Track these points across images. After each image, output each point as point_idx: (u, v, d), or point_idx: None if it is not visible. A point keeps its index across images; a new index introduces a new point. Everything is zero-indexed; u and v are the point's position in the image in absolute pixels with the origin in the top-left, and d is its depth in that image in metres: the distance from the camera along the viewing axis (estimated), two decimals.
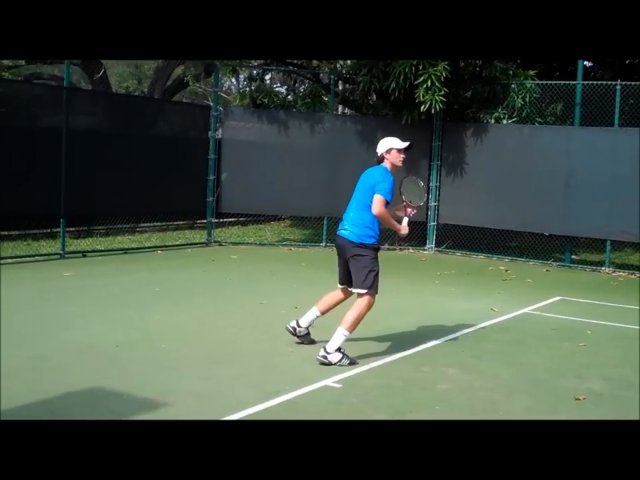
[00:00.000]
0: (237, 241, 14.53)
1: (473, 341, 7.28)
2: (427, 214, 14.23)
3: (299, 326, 6.84)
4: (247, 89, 15.32)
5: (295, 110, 15.25)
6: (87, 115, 13.18)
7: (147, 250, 12.91)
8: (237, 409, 4.99)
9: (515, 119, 13.61)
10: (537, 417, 5.17)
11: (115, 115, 13.42)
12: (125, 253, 12.42)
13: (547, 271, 12.66)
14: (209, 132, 14.08)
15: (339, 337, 6.26)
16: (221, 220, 16.99)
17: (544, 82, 13.53)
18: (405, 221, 6.79)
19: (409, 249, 14.35)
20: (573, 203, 12.88)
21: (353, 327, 6.31)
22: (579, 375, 6.28)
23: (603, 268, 12.78)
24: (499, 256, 13.60)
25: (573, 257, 13.54)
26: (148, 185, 13.45)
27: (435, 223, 14.28)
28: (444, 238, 14.40)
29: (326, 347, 6.25)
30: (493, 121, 13.70)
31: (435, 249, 14.30)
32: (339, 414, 5.03)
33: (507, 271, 12.27)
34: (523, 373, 6.28)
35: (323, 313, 6.84)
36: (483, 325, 8.03)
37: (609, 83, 12.79)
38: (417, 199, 6.96)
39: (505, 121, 13.63)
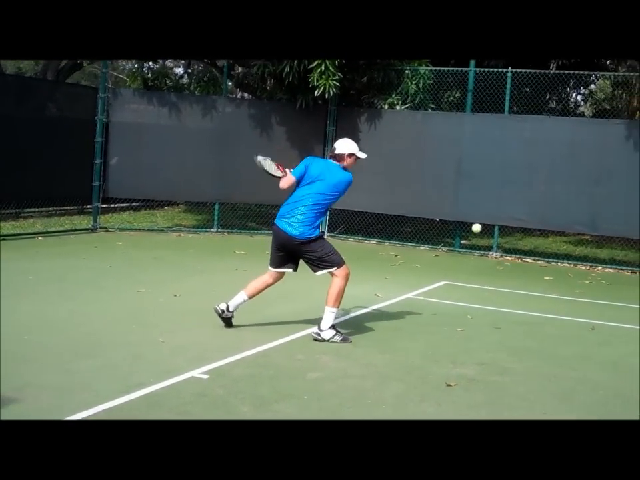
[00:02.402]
0: (125, 226, 14.10)
1: (352, 327, 7.19)
2: None
3: (227, 309, 6.75)
4: (138, 69, 14.85)
5: (187, 92, 14.87)
6: None
7: (29, 236, 12.36)
8: (93, 403, 4.73)
9: (409, 105, 13.63)
10: (405, 404, 5.10)
11: None
12: (4, 239, 11.84)
13: (436, 256, 12.75)
14: (97, 114, 13.58)
15: (328, 315, 6.57)
16: (112, 205, 16.45)
17: (437, 68, 13.57)
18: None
19: None
20: (464, 189, 13.00)
21: (338, 301, 6.60)
22: (453, 360, 6.25)
23: (491, 253, 12.96)
24: (391, 241, 13.64)
25: (463, 241, 13.69)
26: (33, 169, 12.92)
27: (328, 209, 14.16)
28: (337, 223, 14.34)
29: (319, 325, 6.59)
30: (386, 106, 13.68)
31: (328, 234, 14.20)
32: (201, 407, 4.83)
33: (396, 256, 12.29)
34: (397, 359, 6.22)
35: (250, 297, 6.83)
36: (365, 310, 7.98)
37: (500, 70, 12.92)
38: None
39: (398, 107, 13.63)
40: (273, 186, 13.30)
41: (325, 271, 6.63)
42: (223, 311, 6.76)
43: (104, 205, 15.39)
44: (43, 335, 6.35)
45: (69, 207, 15.53)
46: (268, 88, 14.67)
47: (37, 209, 14.72)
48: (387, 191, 13.60)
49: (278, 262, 6.78)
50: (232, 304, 6.78)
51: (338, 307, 6.65)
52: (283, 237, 6.67)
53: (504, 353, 6.61)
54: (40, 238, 12.28)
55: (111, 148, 13.57)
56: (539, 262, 12.56)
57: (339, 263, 6.63)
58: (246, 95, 17.37)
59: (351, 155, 6.78)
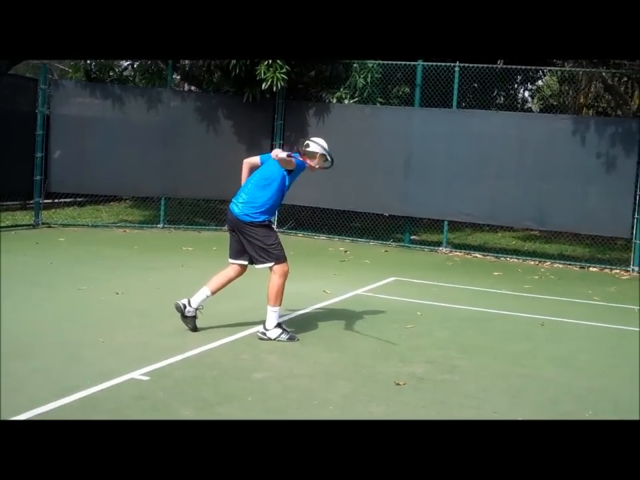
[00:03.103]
0: (68, 222, 13.71)
1: (299, 325, 7.01)
2: None
3: (189, 304, 6.45)
4: (82, 62, 14.43)
5: (130, 85, 14.51)
6: None
7: None
8: (25, 407, 4.48)
9: (357, 99, 13.50)
10: (353, 405, 4.94)
11: None
12: None
13: (386, 251, 12.65)
14: (37, 106, 13.17)
15: (270, 315, 6.40)
16: (55, 200, 15.99)
17: (385, 62, 13.43)
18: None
19: None
20: (412, 184, 12.93)
21: (278, 299, 6.40)
22: (402, 358, 6.12)
23: (441, 248, 12.90)
24: (341, 237, 13.50)
25: (413, 237, 13.62)
26: None
27: None
28: (286, 218, 14.15)
29: (264, 324, 6.41)
30: (335, 100, 13.54)
31: (277, 229, 13.98)
32: (140, 410, 4.61)
33: (346, 251, 12.16)
34: (345, 357, 6.06)
35: (213, 293, 6.56)
36: (313, 307, 7.81)
37: (448, 64, 12.87)
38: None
39: (347, 101, 13.50)
40: (221, 181, 13.15)
41: (263, 265, 6.42)
42: (184, 306, 6.44)
43: (47, 200, 14.97)
44: None
45: (10, 202, 15.05)
46: (214, 80, 14.40)
47: None
48: (335, 186, 13.44)
49: (234, 252, 6.54)
50: (194, 300, 6.48)
51: (279, 305, 6.44)
52: (230, 218, 6.51)
53: (454, 350, 6.50)
54: None
55: (52, 141, 13.17)
56: (488, 257, 12.53)
57: (279, 259, 6.40)
58: (192, 87, 17.05)
59: (322, 155, 6.53)
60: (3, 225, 12.97)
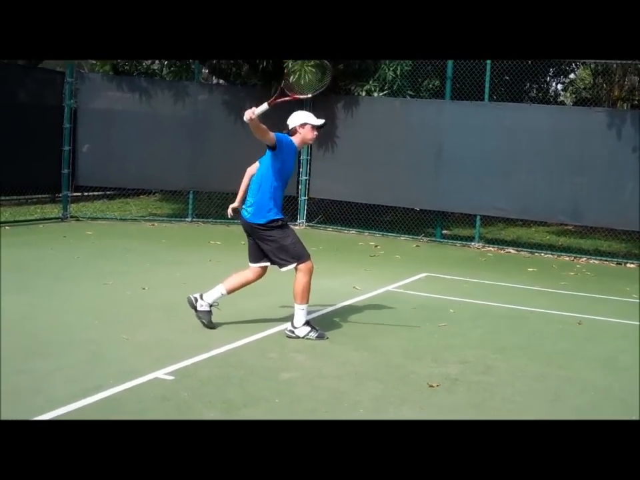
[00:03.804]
0: (96, 215, 13.63)
1: (329, 323, 6.82)
2: (298, 188, 13.76)
3: (201, 298, 6.31)
4: None
5: (157, 78, 14.40)
6: None
7: None
8: (45, 409, 4.34)
9: (387, 91, 13.26)
10: (384, 408, 4.75)
11: None
12: None
13: (417, 246, 12.41)
14: (64, 99, 13.09)
15: (298, 313, 6.19)
16: (85, 194, 16.01)
17: None
18: (263, 106, 6.03)
19: None
20: (444, 178, 12.68)
21: (304, 297, 6.18)
22: (435, 358, 5.90)
23: (473, 243, 12.63)
24: (371, 231, 13.28)
25: (444, 231, 13.37)
26: (2, 156, 12.43)
27: (306, 198, 13.82)
28: (315, 212, 13.96)
29: (292, 322, 6.22)
30: (364, 93, 13.31)
31: (306, 224, 13.85)
32: (163, 412, 4.44)
33: (376, 246, 11.94)
34: (376, 357, 5.85)
35: (229, 292, 6.37)
36: (343, 304, 7.60)
37: None
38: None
39: (376, 94, 13.26)
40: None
41: (287, 267, 6.20)
42: (196, 299, 6.31)
43: (77, 194, 14.97)
44: None
45: (41, 196, 15.03)
46: (242, 73, 14.24)
47: (7, 197, 14.23)
48: (365, 180, 13.25)
49: (254, 256, 6.34)
50: (208, 296, 6.33)
51: (307, 303, 6.22)
52: (243, 224, 6.33)
53: (488, 349, 6.27)
54: (7, 227, 11.80)
55: (79, 135, 13.08)
56: (522, 253, 12.24)
57: (301, 258, 6.15)
58: (220, 80, 16.90)
59: (302, 125, 6.21)
60: (31, 217, 12.93)
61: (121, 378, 4.95)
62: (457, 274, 9.76)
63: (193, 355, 5.55)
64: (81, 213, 13.53)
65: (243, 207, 6.35)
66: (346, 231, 13.42)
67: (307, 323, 6.24)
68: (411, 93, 13.54)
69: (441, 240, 12.91)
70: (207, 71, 16.26)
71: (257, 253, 6.31)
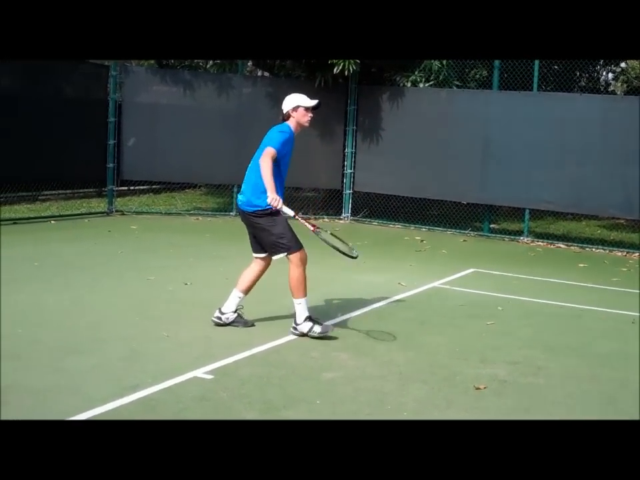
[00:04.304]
0: (141, 210, 13.63)
1: (373, 320, 6.66)
2: (343, 182, 13.61)
3: (221, 313, 6.13)
4: None
5: (201, 70, 14.34)
6: None
7: (42, 220, 11.95)
8: (80, 408, 4.25)
9: (433, 82, 13.02)
10: (429, 411, 4.57)
11: (4, 73, 12.40)
12: (15, 223, 11.43)
13: (464, 241, 12.16)
14: (109, 93, 13.11)
15: (298, 308, 5.94)
16: (132, 188, 16.06)
17: None
18: (288, 210, 5.87)
19: (324, 217, 13.70)
20: (491, 170, 12.41)
21: (301, 290, 5.91)
22: (483, 358, 5.70)
23: (522, 238, 12.35)
24: (417, 225, 13.05)
25: (492, 226, 13.09)
26: (49, 151, 12.51)
27: (351, 191, 13.65)
28: (360, 206, 13.78)
29: (295, 319, 5.96)
30: (409, 84, 13.07)
31: (351, 218, 13.68)
32: (201, 412, 4.33)
33: (422, 241, 11.73)
34: (421, 357, 5.67)
35: (246, 293, 6.20)
36: (387, 301, 7.42)
37: None
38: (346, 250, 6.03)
39: (421, 85, 13.02)
40: (293, 168, 12.87)
41: (278, 255, 5.93)
42: (219, 318, 6.12)
43: (123, 188, 15.02)
44: (37, 327, 5.89)
45: (87, 190, 15.11)
46: (286, 65, 14.10)
47: (54, 192, 14.34)
48: (411, 173, 13.03)
49: (254, 246, 6.14)
50: (226, 307, 6.12)
51: (304, 296, 5.90)
52: (239, 211, 6.18)
53: (538, 349, 6.04)
54: (53, 222, 11.88)
55: (124, 128, 13.09)
56: (573, 247, 11.91)
57: (290, 248, 5.85)
58: (264, 72, 16.80)
59: (295, 108, 5.98)
60: (77, 212, 12.97)
61: (160, 377, 4.86)
62: (506, 270, 9.50)
63: (233, 353, 5.44)
64: (127, 207, 13.54)
65: (239, 199, 6.11)
66: (391, 225, 13.22)
67: (309, 318, 5.93)
68: (457, 83, 13.26)
69: (489, 234, 12.64)
70: (251, 63, 16.15)
71: (256, 243, 6.12)
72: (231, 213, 13.55)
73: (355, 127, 13.44)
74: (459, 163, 12.64)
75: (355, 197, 13.73)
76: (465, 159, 12.59)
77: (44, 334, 5.72)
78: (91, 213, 13.04)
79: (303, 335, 5.90)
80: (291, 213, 5.86)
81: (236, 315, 6.17)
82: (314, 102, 6.06)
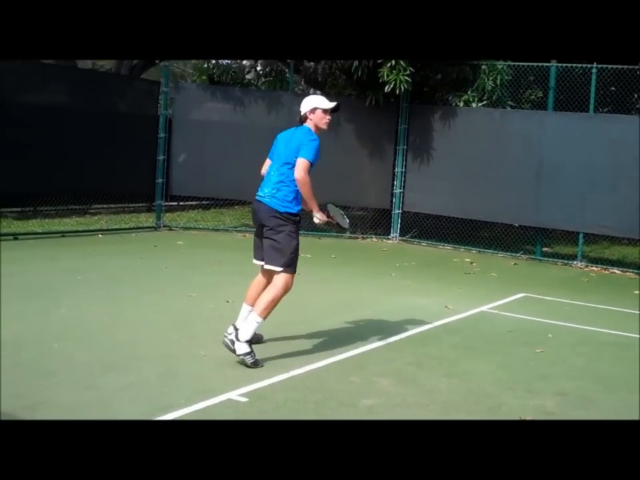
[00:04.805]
0: (189, 225, 13.61)
1: (417, 345, 6.45)
2: (392, 201, 13.42)
3: (237, 335, 5.69)
4: (205, 64, 14.35)
5: (252, 87, 14.32)
6: (27, 88, 12.27)
7: (89, 233, 11.99)
8: None
9: (485, 102, 12.78)
10: None
11: (60, 88, 12.56)
12: (63, 236, 11.49)
13: (515, 264, 11.85)
14: (159, 109, 13.16)
15: (250, 324, 5.51)
16: (180, 203, 16.11)
17: (516, 63, 12.63)
18: (322, 215, 5.86)
19: (372, 237, 13.53)
20: (545, 193, 12.09)
21: (268, 311, 5.54)
22: (530, 388, 5.45)
23: (575, 262, 11.99)
24: (467, 247, 12.79)
25: (545, 249, 12.76)
26: (101, 165, 12.62)
27: (400, 211, 13.45)
28: (409, 227, 13.56)
29: (238, 332, 5.52)
30: (462, 104, 12.85)
31: (400, 238, 13.47)
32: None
33: (472, 263, 11.46)
34: (466, 384, 5.44)
35: (253, 305, 5.91)
36: (433, 325, 7.20)
37: (585, 66, 11.94)
38: (342, 220, 6.08)
39: (474, 104, 12.79)
40: (342, 186, 12.78)
41: (270, 267, 5.60)
42: (233, 342, 5.58)
43: (173, 203, 15.06)
44: (74, 342, 5.81)
45: (137, 204, 15.18)
46: (337, 83, 14.00)
47: (105, 205, 14.44)
48: (462, 194, 12.77)
49: (258, 252, 5.88)
50: (243, 335, 5.54)
51: (265, 319, 5.54)
52: (255, 209, 5.85)
53: (589, 380, 5.77)
54: (100, 235, 11.91)
55: (174, 144, 13.12)
56: (628, 273, 11.50)
57: (288, 267, 5.56)
58: (317, 91, 16.73)
59: (312, 110, 5.79)
60: (125, 226, 12.99)
61: (193, 398, 4.72)
62: (557, 295, 9.20)
63: (270, 376, 5.28)
64: (175, 223, 13.54)
65: (259, 192, 5.83)
66: (441, 247, 12.97)
67: (251, 343, 5.50)
68: (511, 103, 13.00)
69: (541, 258, 12.31)
70: (303, 80, 16.11)
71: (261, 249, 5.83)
72: None
73: (405, 146, 13.26)
74: (512, 184, 12.36)
75: (403, 217, 13.52)
76: (518, 181, 12.30)
77: (80, 349, 5.64)
78: (138, 228, 13.06)
79: (232, 351, 5.48)
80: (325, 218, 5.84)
81: (251, 344, 5.74)
82: (332, 104, 5.87)
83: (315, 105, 5.82)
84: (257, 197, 5.84)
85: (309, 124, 5.81)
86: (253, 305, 5.81)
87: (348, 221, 6.23)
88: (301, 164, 5.57)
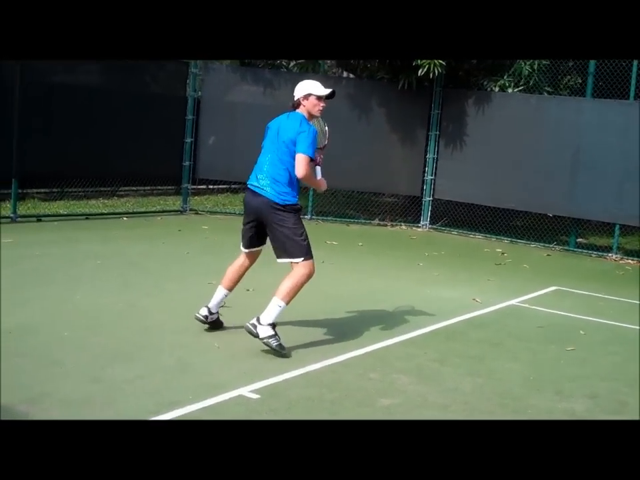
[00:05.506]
0: (216, 210, 13.41)
1: (441, 339, 6.19)
2: (423, 188, 13.11)
3: (210, 313, 5.84)
4: None
5: (282, 69, 14.06)
6: (57, 68, 12.15)
7: (115, 216, 11.84)
8: None
9: (522, 87, 12.39)
10: None
11: (91, 68, 12.43)
12: (87, 218, 11.35)
13: (548, 255, 11.50)
14: (188, 90, 12.95)
15: (273, 308, 5.41)
16: (209, 187, 15.90)
17: None
18: (319, 171, 5.70)
19: (401, 225, 13.23)
20: (581, 182, 11.72)
21: (290, 297, 5.44)
22: (559, 390, 5.16)
23: (610, 254, 11.61)
24: (498, 237, 12.45)
25: (579, 240, 12.38)
26: (129, 146, 12.49)
27: (431, 199, 13.13)
28: (440, 215, 13.25)
29: (260, 316, 5.41)
30: (497, 89, 12.48)
31: (430, 226, 13.16)
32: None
33: (503, 254, 11.13)
34: (490, 384, 5.17)
35: (230, 289, 5.94)
36: (459, 319, 6.92)
37: None
38: (322, 139, 5.85)
39: (510, 90, 12.42)
40: (374, 172, 12.50)
41: (286, 260, 5.52)
42: (206, 317, 5.79)
43: (201, 186, 14.87)
44: (86, 331, 5.63)
45: (166, 187, 15.00)
46: (369, 67, 13.68)
47: (133, 188, 14.27)
48: (495, 182, 12.43)
49: (251, 240, 5.82)
50: (214, 305, 5.83)
51: (287, 304, 5.44)
52: (251, 201, 5.65)
53: (622, 382, 5.47)
54: (125, 218, 11.76)
55: (202, 126, 12.90)
56: None
57: (306, 256, 5.46)
58: (349, 74, 16.42)
59: (306, 96, 5.54)
60: (151, 209, 12.83)
61: (202, 393, 4.50)
62: (591, 289, 8.86)
63: (284, 370, 5.05)
64: (202, 206, 13.36)
65: (254, 182, 5.65)
66: (472, 236, 12.65)
67: (274, 327, 5.40)
68: (548, 89, 12.60)
69: (575, 249, 11.94)
70: (335, 63, 15.79)
71: (251, 237, 5.81)
72: (306, 216, 13.18)
73: (437, 132, 12.92)
74: (547, 172, 11.99)
75: (434, 205, 13.20)
76: (553, 169, 11.93)
77: (90, 338, 5.45)
78: (164, 211, 12.89)
79: (255, 335, 5.36)
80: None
81: (217, 314, 5.92)
82: (327, 91, 5.61)
83: (309, 90, 5.57)
84: (251, 187, 5.66)
85: (302, 110, 5.59)
86: (229, 289, 5.87)
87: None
88: (302, 160, 5.40)
